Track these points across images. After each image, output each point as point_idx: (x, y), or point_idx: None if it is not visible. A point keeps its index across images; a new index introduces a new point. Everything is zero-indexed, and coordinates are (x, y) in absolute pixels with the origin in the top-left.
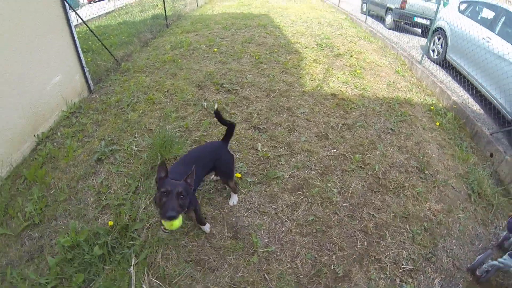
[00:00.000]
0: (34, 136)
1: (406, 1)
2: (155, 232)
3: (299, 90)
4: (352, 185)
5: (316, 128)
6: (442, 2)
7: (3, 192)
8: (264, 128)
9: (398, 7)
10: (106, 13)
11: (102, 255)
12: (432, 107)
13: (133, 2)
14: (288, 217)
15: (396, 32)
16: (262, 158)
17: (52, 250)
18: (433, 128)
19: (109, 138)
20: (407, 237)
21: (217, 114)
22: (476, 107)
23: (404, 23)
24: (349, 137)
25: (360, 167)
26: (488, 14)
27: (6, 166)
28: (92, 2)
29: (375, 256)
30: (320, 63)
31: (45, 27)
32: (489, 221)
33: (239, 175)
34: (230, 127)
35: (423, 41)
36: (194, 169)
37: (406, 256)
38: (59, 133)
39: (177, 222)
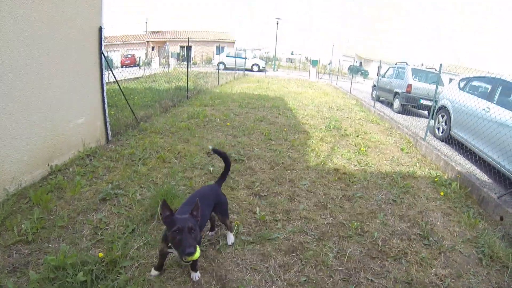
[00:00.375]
0: (48, 165)
1: (411, 85)
2: (143, 272)
3: (303, 165)
4: (349, 250)
5: (316, 199)
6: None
7: (6, 206)
8: (264, 195)
9: (405, 91)
10: (135, 78)
11: (84, 282)
12: (436, 179)
13: (161, 73)
14: (279, 276)
15: (404, 116)
16: (259, 221)
17: (37, 267)
18: (437, 198)
19: (117, 183)
20: None
21: (215, 151)
22: (481, 175)
23: (411, 106)
24: (348, 207)
25: (359, 234)
26: (486, 87)
27: (15, 183)
28: (124, 66)
29: None
30: (327, 142)
31: (83, 70)
32: (506, 283)
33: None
34: (226, 161)
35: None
36: (198, 201)
37: None
38: (71, 169)
39: (197, 254)
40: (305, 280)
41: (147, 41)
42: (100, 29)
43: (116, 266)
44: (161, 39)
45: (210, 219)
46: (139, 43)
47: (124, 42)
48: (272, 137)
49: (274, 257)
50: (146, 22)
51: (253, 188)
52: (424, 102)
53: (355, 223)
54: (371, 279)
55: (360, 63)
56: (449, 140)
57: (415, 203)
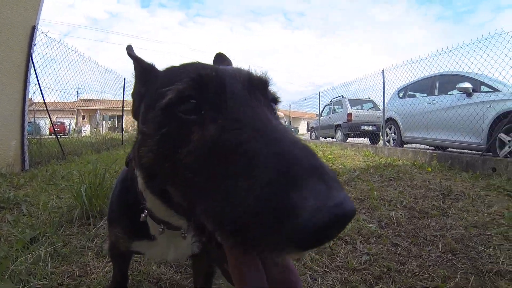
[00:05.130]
0: None
1: (351, 113)
2: None
3: None
4: (390, 214)
5: None
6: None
7: None
8: None
9: (346, 121)
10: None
11: None
12: (415, 163)
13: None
14: (325, 265)
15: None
16: None
17: None
18: (428, 172)
19: (23, 193)
20: (500, 238)
21: None
22: None
23: (354, 134)
24: (351, 189)
25: (385, 204)
26: (424, 86)
27: None
28: (52, 134)
29: (492, 270)
30: None
31: (2, 69)
32: None
33: None
34: None
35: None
36: None
37: None
38: None
39: None
40: (368, 259)
41: (78, 109)
42: (33, 29)
43: None
44: (92, 107)
45: None
46: (69, 110)
47: (53, 109)
48: None
49: None
50: (78, 91)
51: None
52: (365, 128)
53: (375, 193)
54: (441, 234)
55: (289, 122)
56: (401, 146)
57: (414, 177)
